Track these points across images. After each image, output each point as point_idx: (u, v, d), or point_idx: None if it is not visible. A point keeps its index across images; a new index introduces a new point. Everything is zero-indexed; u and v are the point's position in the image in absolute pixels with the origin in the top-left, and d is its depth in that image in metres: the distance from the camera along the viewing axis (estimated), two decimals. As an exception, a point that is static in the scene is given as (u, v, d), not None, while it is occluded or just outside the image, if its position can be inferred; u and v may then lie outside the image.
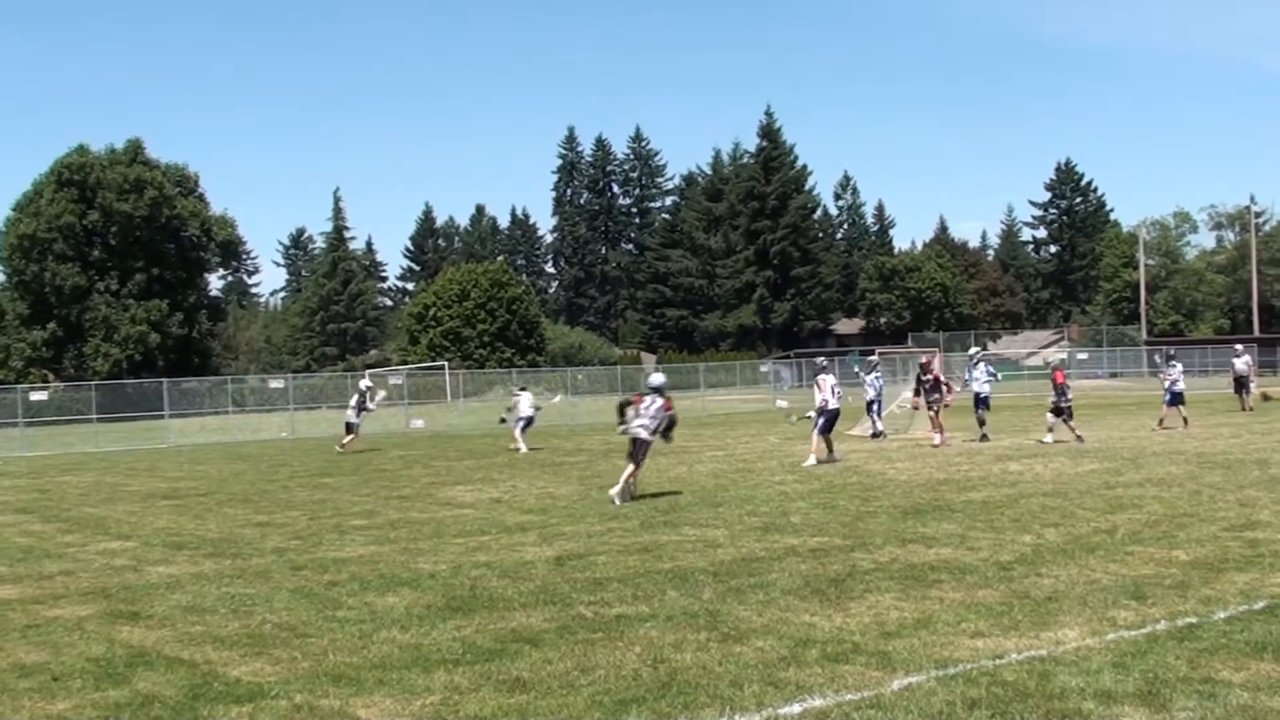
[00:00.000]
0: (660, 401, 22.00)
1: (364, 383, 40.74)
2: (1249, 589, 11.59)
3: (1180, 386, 34.82)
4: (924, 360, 31.54)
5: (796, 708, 8.17)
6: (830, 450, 27.47)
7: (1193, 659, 9.08)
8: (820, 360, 31.87)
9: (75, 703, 8.95)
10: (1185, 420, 34.30)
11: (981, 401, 33.04)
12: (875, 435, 34.75)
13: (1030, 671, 8.83)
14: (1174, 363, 35.73)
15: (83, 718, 8.63)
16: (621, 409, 22.86)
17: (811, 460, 26.86)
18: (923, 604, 11.35)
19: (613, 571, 13.57)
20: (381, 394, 39.76)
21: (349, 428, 38.48)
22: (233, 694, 8.96)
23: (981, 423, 32.94)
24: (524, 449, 34.53)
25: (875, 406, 36.12)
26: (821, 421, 27.41)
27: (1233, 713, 7.81)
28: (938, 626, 10.40)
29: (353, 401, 39.04)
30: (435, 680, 9.12)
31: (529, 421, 36.90)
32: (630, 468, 21.44)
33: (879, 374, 37.41)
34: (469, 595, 12.47)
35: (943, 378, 31.25)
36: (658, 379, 23.50)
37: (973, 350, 38.60)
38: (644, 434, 21.71)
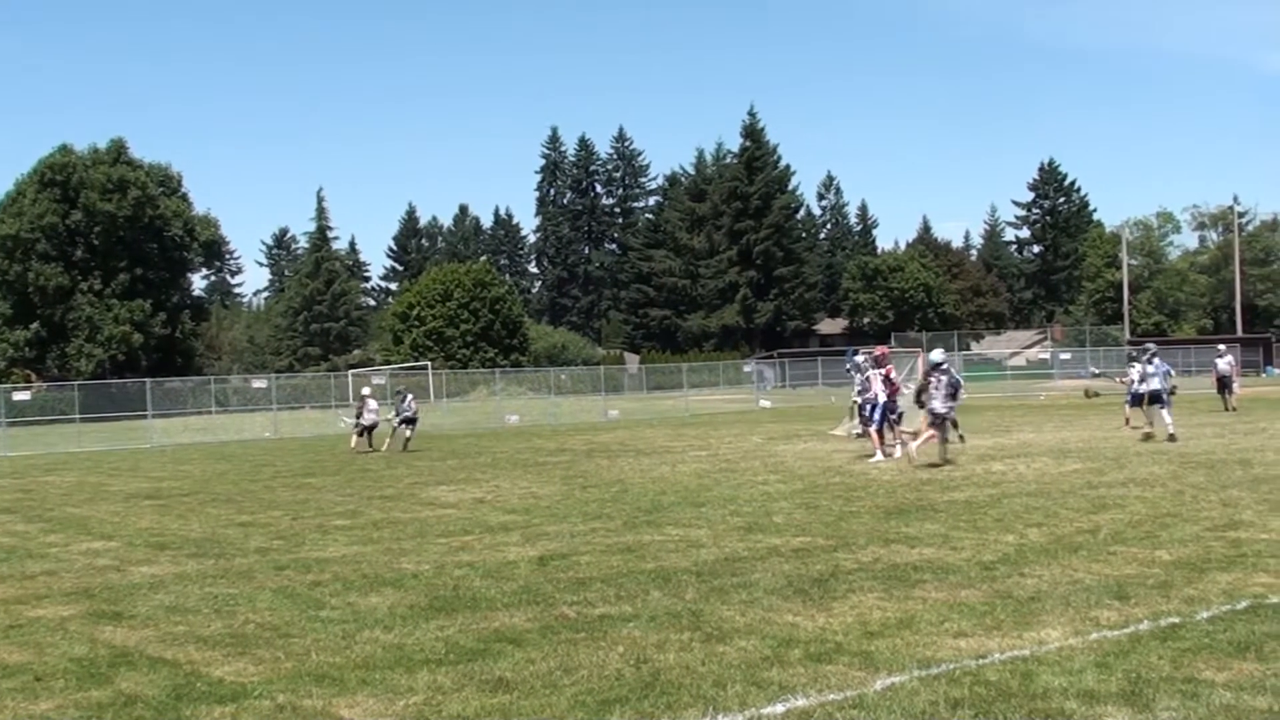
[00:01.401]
0: (945, 378, 25.51)
1: (367, 390, 40.56)
2: (1232, 589, 11.63)
3: (1139, 388, 33.22)
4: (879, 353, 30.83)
5: (779, 708, 8.18)
6: (886, 441, 27.81)
7: (1176, 659, 9.10)
8: (876, 351, 31.76)
9: (58, 703, 8.94)
10: (1127, 420, 33.37)
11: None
12: (860, 435, 34.69)
13: (1013, 671, 8.85)
14: (1134, 364, 35.37)
15: (65, 718, 8.61)
16: (919, 394, 27.24)
17: (879, 457, 26.95)
18: (906, 604, 11.37)
19: (596, 571, 13.57)
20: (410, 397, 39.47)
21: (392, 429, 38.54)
22: (215, 694, 8.96)
23: (955, 425, 32.98)
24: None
25: (862, 407, 35.98)
26: (876, 416, 27.83)
27: (1215, 712, 7.83)
28: (921, 626, 10.42)
29: (405, 402, 38.93)
30: (418, 680, 9.12)
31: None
32: (930, 434, 25.45)
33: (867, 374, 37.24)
34: (452, 595, 12.47)
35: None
36: (939, 354, 26.63)
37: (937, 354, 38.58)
38: (943, 409, 25.51)
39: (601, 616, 11.16)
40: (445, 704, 8.52)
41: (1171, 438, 29.61)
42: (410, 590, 12.84)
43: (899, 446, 27.39)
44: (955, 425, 30.99)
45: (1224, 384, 45.00)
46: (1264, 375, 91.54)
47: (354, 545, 16.51)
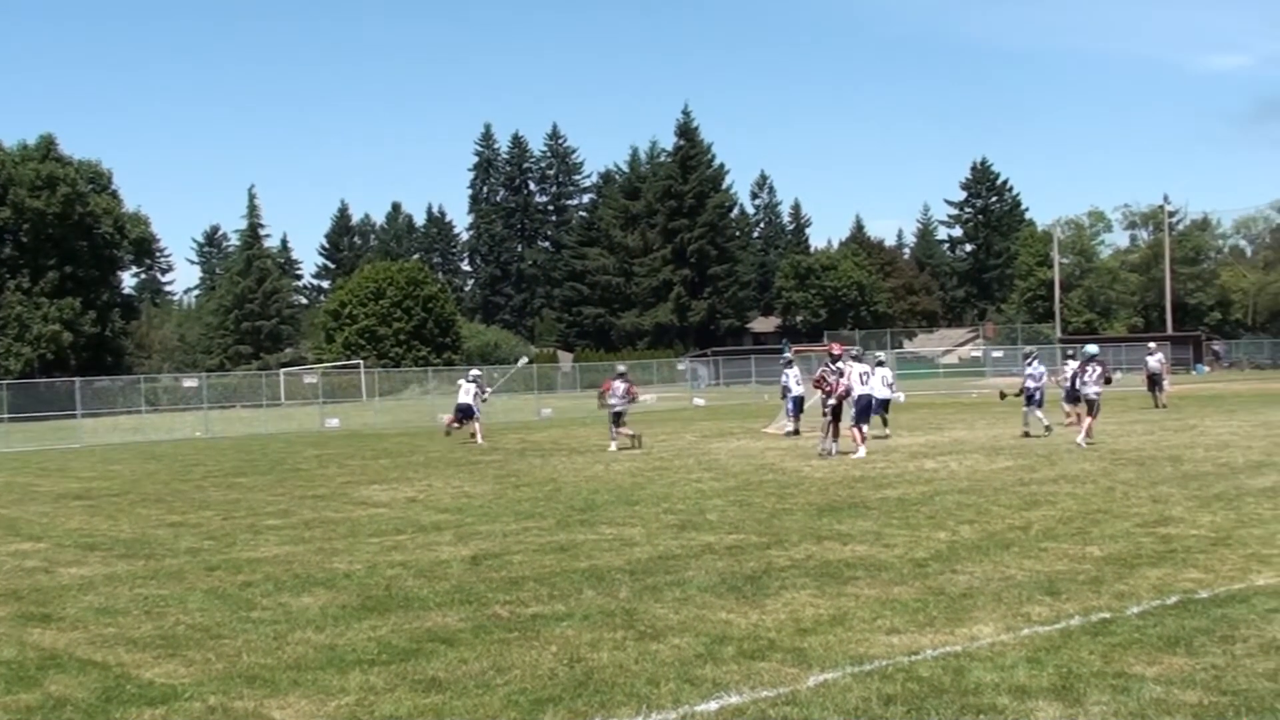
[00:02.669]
0: (1100, 368, 29.13)
1: (474, 372, 41.01)
2: (1161, 584, 11.73)
3: (1031, 385, 33.05)
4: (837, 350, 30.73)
5: (713, 705, 8.20)
6: (853, 439, 27.79)
7: (1106, 653, 9.18)
8: (852, 350, 31.91)
9: (-15, 706, 8.87)
10: (1026, 433, 31.92)
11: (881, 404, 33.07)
12: (792, 434, 34.80)
13: (945, 667, 8.90)
14: (1031, 361, 35.36)
15: (-7, 721, 8.55)
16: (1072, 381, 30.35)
17: (861, 452, 27.08)
18: (838, 601, 11.41)
19: (529, 571, 13.56)
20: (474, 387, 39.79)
21: (468, 412, 38.54)
22: (146, 696, 8.89)
23: (884, 423, 33.29)
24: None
25: (795, 404, 36.11)
26: (855, 412, 27.88)
27: (1146, 706, 7.89)
28: (853, 623, 10.46)
29: (472, 390, 38.88)
30: (350, 681, 9.09)
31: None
32: (1088, 420, 28.35)
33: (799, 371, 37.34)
34: (384, 595, 12.43)
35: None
36: (1093, 348, 30.52)
37: (879, 355, 38.78)
38: (1094, 393, 28.73)
39: (534, 616, 11.15)
40: (378, 704, 8.49)
41: (1028, 435, 31.33)
42: (342, 590, 12.79)
43: (825, 440, 27.55)
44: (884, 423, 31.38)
45: (1154, 382, 45.40)
46: (1193, 373, 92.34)
47: (286, 545, 16.43)
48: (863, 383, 28.18)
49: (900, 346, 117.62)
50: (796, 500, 19.46)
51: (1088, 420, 28.56)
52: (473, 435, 37.53)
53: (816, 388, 27.82)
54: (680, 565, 13.57)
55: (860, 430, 27.76)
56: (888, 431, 33.07)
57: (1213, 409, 41.54)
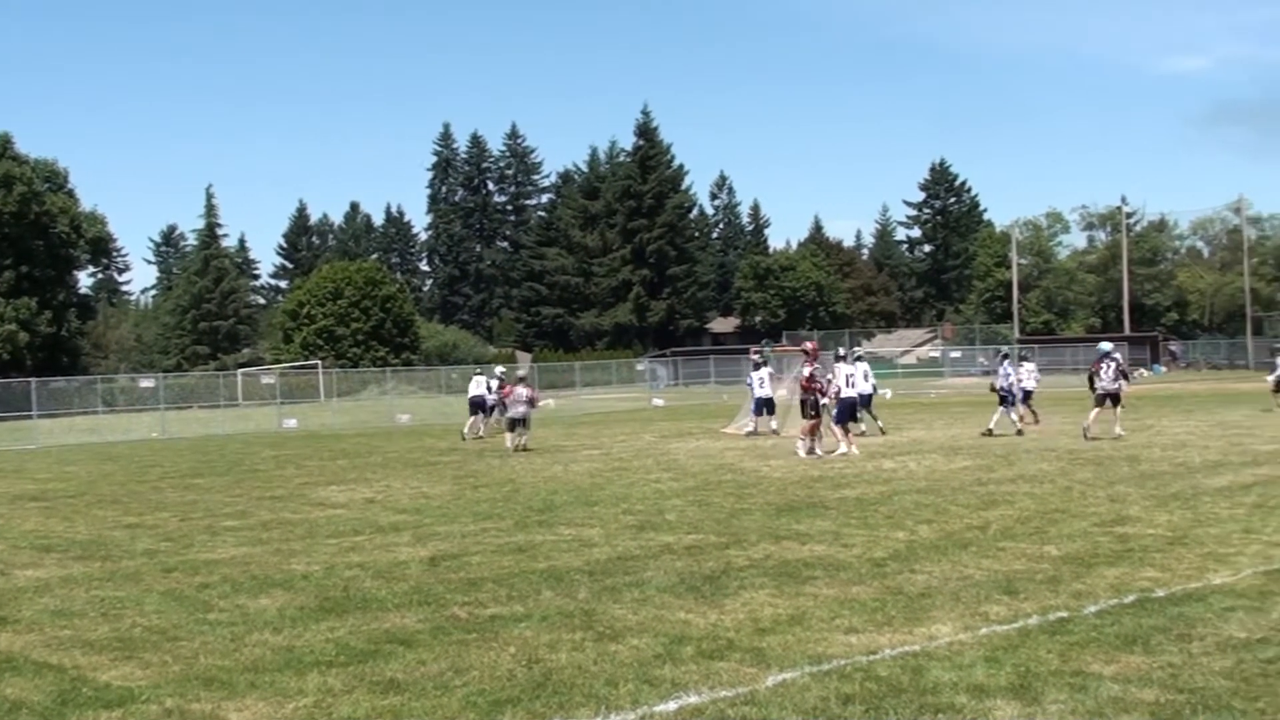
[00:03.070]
0: (1115, 364, 30.57)
1: (500, 369, 42.72)
2: (1119, 583, 11.78)
3: (1001, 383, 33.33)
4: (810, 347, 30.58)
5: (672, 705, 8.20)
6: (837, 439, 27.99)
7: (1064, 652, 9.21)
8: (839, 349, 32.00)
9: (-61, 709, 8.80)
10: (990, 431, 32.29)
11: (865, 400, 33.29)
12: (751, 433, 34.82)
13: (904, 667, 8.93)
14: (1024, 363, 35.61)
15: (-53, 725, 8.49)
16: (1090, 378, 30.97)
17: (842, 448, 27.41)
18: (797, 600, 11.43)
19: (487, 572, 13.53)
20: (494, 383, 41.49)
21: (484, 409, 40.15)
22: (102, 699, 8.84)
23: (874, 417, 33.66)
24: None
25: (758, 405, 36.11)
26: (836, 412, 28.07)
27: (1103, 705, 7.93)
28: (812, 623, 10.48)
29: (493, 386, 40.04)
30: (308, 682, 9.06)
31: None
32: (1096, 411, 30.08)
33: (770, 370, 37.31)
34: (342, 596, 12.39)
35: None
36: (1108, 345, 31.92)
37: (858, 350, 38.86)
38: (1113, 387, 30.11)
39: (493, 617, 11.13)
40: (335, 706, 8.46)
41: (989, 432, 31.80)
42: (300, 592, 12.74)
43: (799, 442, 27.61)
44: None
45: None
46: (1150, 373, 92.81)
47: (243, 546, 16.35)
48: (848, 384, 28.29)
49: (859, 347, 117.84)
50: (755, 500, 19.49)
51: (1104, 409, 30.15)
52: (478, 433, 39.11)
53: (806, 389, 27.72)
54: (639, 566, 13.57)
55: (845, 428, 27.94)
56: (864, 428, 33.29)
57: (1170, 409, 41.78)
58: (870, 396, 33.99)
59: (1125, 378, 30.96)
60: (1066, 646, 9.38)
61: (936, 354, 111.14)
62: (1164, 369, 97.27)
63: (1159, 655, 9.07)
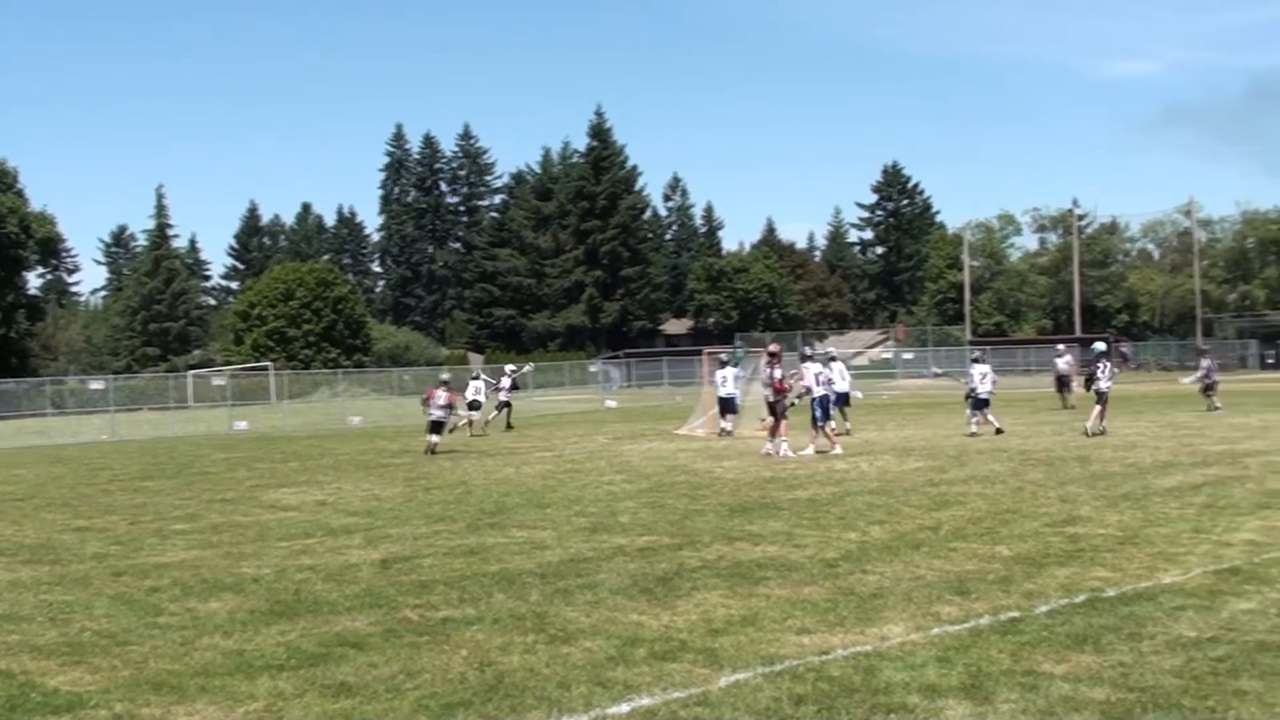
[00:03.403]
0: (1110, 363, 32.54)
1: (509, 368, 45.64)
2: (1069, 583, 11.84)
3: (974, 384, 33.56)
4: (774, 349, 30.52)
5: (624, 707, 8.21)
6: (829, 439, 28.30)
7: (1015, 652, 9.26)
8: (805, 348, 32.08)
9: (-115, 716, 8.72)
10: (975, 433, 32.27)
11: (842, 398, 33.55)
12: (723, 434, 34.84)
13: (856, 667, 8.95)
14: (975, 365, 35.82)
15: (-108, 731, 8.41)
16: (1087, 380, 32.24)
17: (838, 449, 27.57)
18: (749, 601, 11.44)
19: (439, 574, 13.50)
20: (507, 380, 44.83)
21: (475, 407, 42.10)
22: (51, 704, 8.79)
23: (845, 417, 33.87)
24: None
25: (723, 405, 36.10)
26: (818, 411, 28.14)
27: (1054, 704, 7.97)
28: (764, 623, 10.49)
29: (505, 383, 43.59)
30: (259, 687, 9.02)
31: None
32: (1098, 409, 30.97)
33: (739, 368, 37.28)
34: (293, 599, 12.34)
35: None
36: (1101, 345, 33.66)
37: (832, 350, 39.04)
38: (1106, 386, 31.75)
39: (445, 619, 11.11)
40: (287, 710, 8.44)
41: (993, 431, 31.74)
42: (251, 595, 12.68)
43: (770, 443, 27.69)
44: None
45: (1063, 383, 45.85)
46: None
47: (193, 550, 16.26)
48: (818, 383, 28.36)
49: (811, 348, 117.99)
50: (708, 501, 19.51)
51: (1097, 408, 31.16)
52: (474, 430, 40.69)
53: (779, 390, 27.74)
54: (592, 568, 13.56)
55: (828, 429, 28.13)
56: (849, 426, 33.85)
57: (1120, 410, 41.90)
58: (847, 395, 34.50)
59: (1092, 379, 32.16)
60: (1018, 646, 9.42)
61: (889, 355, 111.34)
62: (1115, 370, 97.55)
63: (1109, 654, 9.12)
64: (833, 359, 33.95)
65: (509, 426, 43.21)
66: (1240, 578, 11.89)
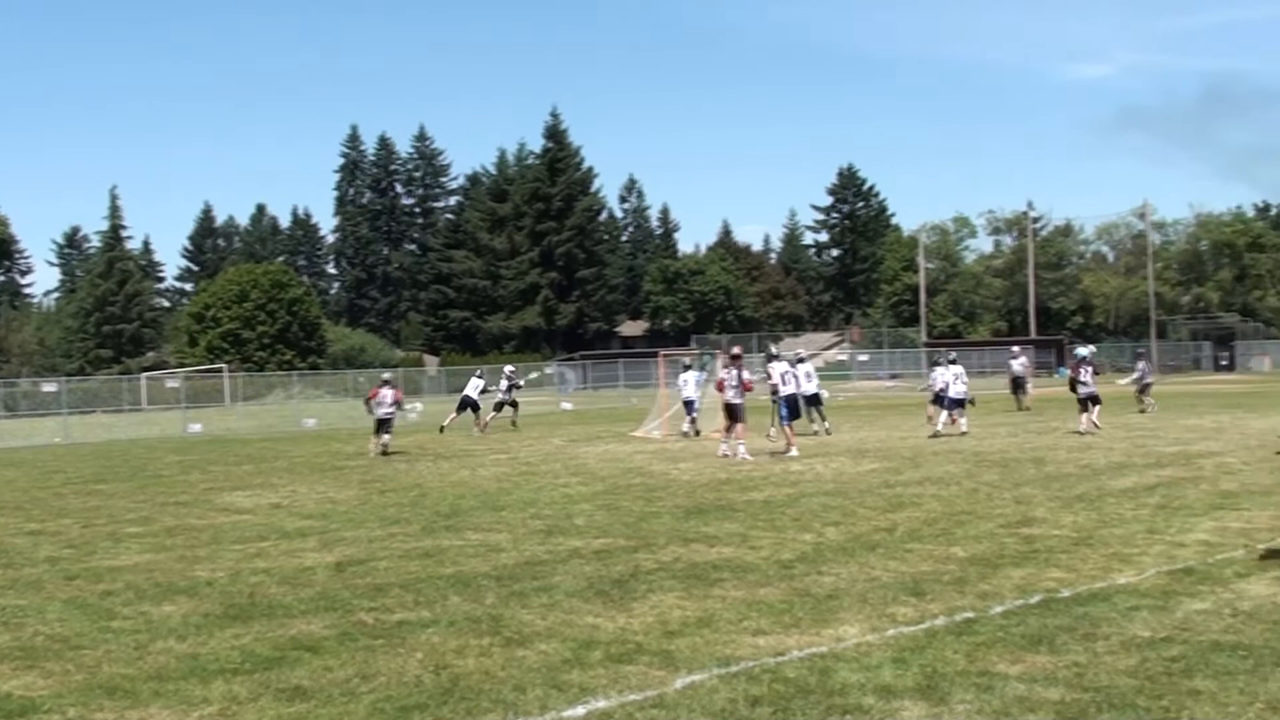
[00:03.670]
0: (1092, 368, 33.46)
1: (508, 369, 46.55)
2: (1024, 584, 11.89)
3: (943, 387, 34.13)
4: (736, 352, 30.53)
5: (580, 709, 8.20)
6: (787, 440, 28.38)
7: (970, 653, 9.28)
8: (770, 349, 32.19)
9: None
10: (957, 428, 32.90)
11: (813, 399, 33.82)
12: (688, 434, 34.90)
13: (811, 668, 8.96)
14: (936, 367, 36.01)
15: None
16: (1072, 383, 33.26)
17: (793, 451, 27.66)
18: (705, 603, 11.45)
19: (394, 577, 13.47)
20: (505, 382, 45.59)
21: (472, 405, 43.45)
22: (3, 709, 8.73)
23: (822, 417, 34.56)
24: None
25: (686, 407, 36.24)
26: (784, 412, 28.05)
27: (1009, 704, 7.99)
28: (720, 625, 10.50)
29: (503, 384, 44.62)
30: (213, 690, 8.98)
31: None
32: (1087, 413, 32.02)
33: (702, 372, 37.37)
34: (248, 603, 12.29)
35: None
36: (1085, 350, 35.38)
37: (801, 352, 39.18)
38: (1092, 389, 32.61)
39: (400, 622, 11.08)
40: (241, 714, 8.41)
41: (959, 432, 31.96)
42: (205, 598, 12.62)
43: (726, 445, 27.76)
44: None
45: (1018, 384, 46.12)
46: (1056, 376, 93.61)
47: (147, 553, 16.18)
48: (784, 382, 28.44)
49: (767, 350, 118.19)
50: (664, 503, 19.51)
51: (1095, 409, 32.30)
52: (483, 426, 42.18)
53: (747, 390, 27.80)
54: (547, 570, 13.55)
55: (790, 428, 28.21)
56: (828, 425, 34.34)
57: (1074, 411, 42.08)
58: (818, 396, 34.78)
59: (1077, 384, 33.13)
60: (973, 647, 9.45)
61: (844, 357, 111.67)
62: (1069, 372, 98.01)
63: (1064, 655, 9.15)
64: (801, 360, 34.16)
65: (514, 425, 43.91)
66: (1194, 578, 11.95)
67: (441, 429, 41.76)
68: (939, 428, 32.19)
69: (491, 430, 41.91)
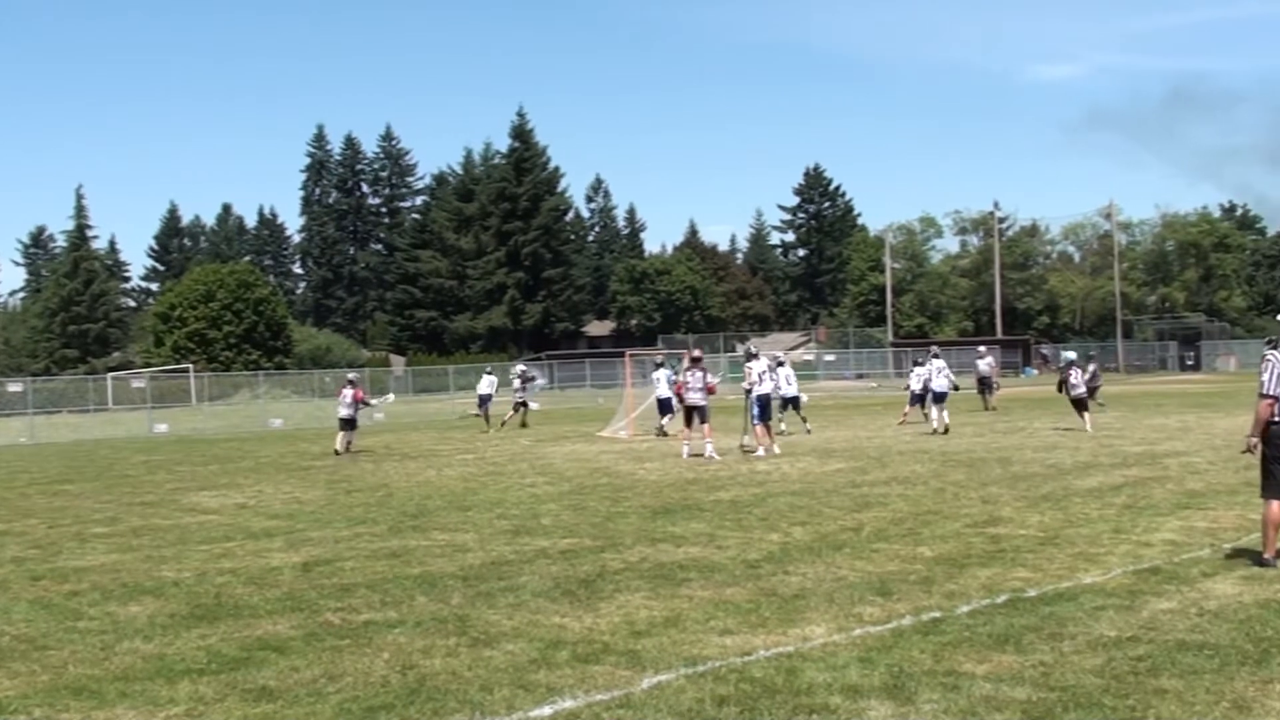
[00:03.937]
0: (1080, 370, 33.52)
1: (519, 367, 48.26)
2: (991, 583, 11.90)
3: (921, 386, 35.20)
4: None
5: (547, 710, 8.18)
6: (770, 439, 28.39)
7: (937, 652, 9.28)
8: (749, 347, 32.22)
9: None
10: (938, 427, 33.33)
11: (793, 401, 34.09)
12: (666, 433, 34.93)
13: (778, 668, 8.96)
14: (916, 367, 36.30)
15: None
16: (1060, 385, 33.64)
17: (760, 451, 27.70)
18: (672, 603, 11.45)
19: (360, 577, 13.44)
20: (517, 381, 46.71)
21: (516, 406, 45.61)
22: (-33, 710, 8.69)
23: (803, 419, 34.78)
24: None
25: (661, 406, 36.33)
26: (757, 412, 28.17)
27: (976, 704, 8.00)
28: (687, 625, 10.50)
29: (516, 384, 45.96)
30: (180, 691, 8.94)
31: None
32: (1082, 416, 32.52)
33: (673, 374, 37.42)
34: (214, 603, 12.25)
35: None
36: (1072, 354, 35.19)
37: (779, 355, 39.29)
38: (1083, 391, 33.22)
39: (366, 623, 11.06)
40: (208, 714, 8.37)
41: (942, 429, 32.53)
42: (171, 599, 12.58)
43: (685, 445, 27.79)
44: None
45: (984, 384, 46.26)
46: (1022, 375, 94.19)
47: (113, 553, 16.12)
48: (760, 381, 28.44)
49: (733, 350, 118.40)
50: (631, 503, 19.51)
51: (1085, 414, 32.64)
52: (503, 422, 43.68)
53: (711, 392, 27.88)
54: (514, 570, 13.53)
55: (766, 428, 28.18)
56: (809, 427, 34.63)
57: (1041, 411, 42.29)
58: (798, 398, 35.31)
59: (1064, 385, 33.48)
60: (939, 646, 9.46)
61: (811, 357, 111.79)
62: (1035, 372, 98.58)
63: (1031, 654, 9.16)
64: (780, 363, 34.31)
65: (523, 425, 44.44)
66: (1160, 577, 11.98)
67: (488, 427, 43.40)
68: (935, 426, 32.45)
69: (511, 429, 42.90)
